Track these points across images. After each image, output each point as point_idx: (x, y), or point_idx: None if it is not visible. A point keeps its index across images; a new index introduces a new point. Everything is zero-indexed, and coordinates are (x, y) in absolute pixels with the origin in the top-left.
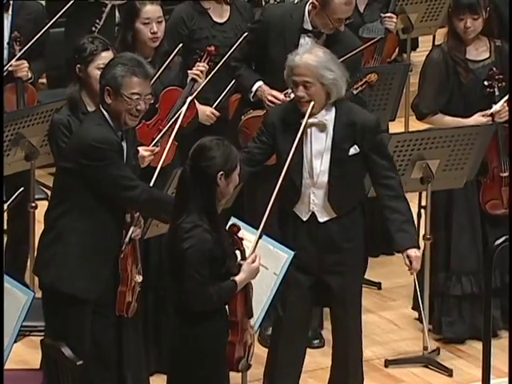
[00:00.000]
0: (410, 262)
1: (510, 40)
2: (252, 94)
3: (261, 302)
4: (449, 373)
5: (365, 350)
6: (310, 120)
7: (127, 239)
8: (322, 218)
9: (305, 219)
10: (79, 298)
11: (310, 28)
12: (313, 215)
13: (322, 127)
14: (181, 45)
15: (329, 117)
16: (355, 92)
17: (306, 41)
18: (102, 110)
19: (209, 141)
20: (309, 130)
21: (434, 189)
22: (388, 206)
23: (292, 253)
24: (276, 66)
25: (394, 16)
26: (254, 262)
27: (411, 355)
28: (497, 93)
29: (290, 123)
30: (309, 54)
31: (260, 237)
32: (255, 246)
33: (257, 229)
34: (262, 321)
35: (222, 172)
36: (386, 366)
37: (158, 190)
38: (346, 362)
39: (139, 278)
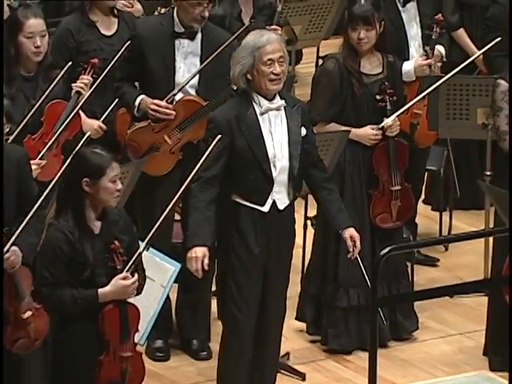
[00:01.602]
0: (354, 242)
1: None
2: (136, 109)
3: (148, 314)
4: (302, 377)
5: None
6: (272, 105)
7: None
8: (281, 206)
9: (266, 210)
10: None
11: (182, 30)
12: (273, 204)
13: (277, 111)
14: (70, 63)
15: (281, 100)
16: (235, 88)
17: (181, 44)
18: None
19: (80, 150)
20: (266, 117)
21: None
22: (325, 187)
23: (179, 265)
24: (156, 76)
25: (279, 28)
26: (124, 279)
27: None
28: (389, 107)
29: (244, 116)
30: (268, 33)
31: (144, 250)
32: (134, 261)
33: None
34: (150, 333)
35: (86, 179)
36: None
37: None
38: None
39: (27, 314)
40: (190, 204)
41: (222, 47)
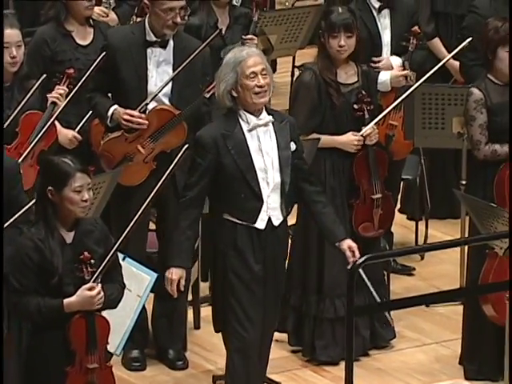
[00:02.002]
0: (353, 252)
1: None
2: (109, 119)
3: (124, 324)
4: None
5: (204, 363)
6: (260, 121)
7: None
8: (276, 222)
9: (262, 227)
10: None
11: (154, 39)
12: (269, 221)
13: (265, 127)
14: (45, 75)
15: (268, 116)
16: (208, 96)
17: (153, 53)
18: None
19: (49, 158)
20: (254, 133)
21: None
22: (318, 200)
23: (155, 275)
24: (129, 85)
25: (255, 38)
26: (90, 290)
27: None
28: (366, 115)
29: (231, 134)
30: (248, 48)
31: (111, 259)
32: (101, 271)
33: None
34: (126, 343)
35: (50, 187)
36: (213, 382)
37: None
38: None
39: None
40: (178, 222)
41: (193, 54)
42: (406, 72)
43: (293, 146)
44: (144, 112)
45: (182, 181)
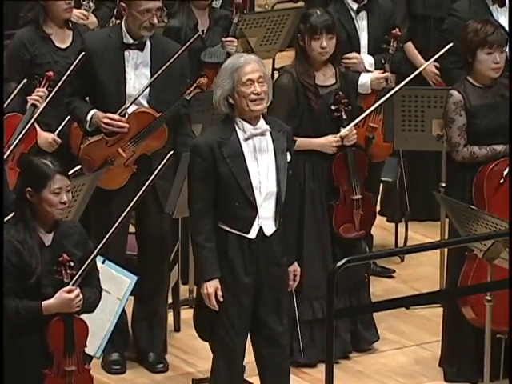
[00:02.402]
0: (294, 276)
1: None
2: (88, 124)
3: (104, 327)
4: None
5: (184, 366)
6: (256, 130)
7: None
8: (268, 232)
9: (253, 237)
10: None
11: (131, 41)
12: (260, 231)
13: (262, 136)
14: (25, 80)
15: (265, 125)
16: (188, 98)
17: (131, 55)
18: None
19: (29, 159)
20: (251, 142)
21: None
22: (288, 215)
23: (135, 277)
24: (107, 89)
25: (235, 40)
26: (69, 292)
27: None
28: (344, 116)
29: (226, 142)
30: (246, 55)
31: (91, 263)
32: (81, 274)
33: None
34: (106, 346)
35: (29, 188)
36: None
37: None
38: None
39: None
40: (191, 238)
41: (173, 58)
42: (386, 74)
43: (288, 157)
44: (124, 115)
45: (164, 186)
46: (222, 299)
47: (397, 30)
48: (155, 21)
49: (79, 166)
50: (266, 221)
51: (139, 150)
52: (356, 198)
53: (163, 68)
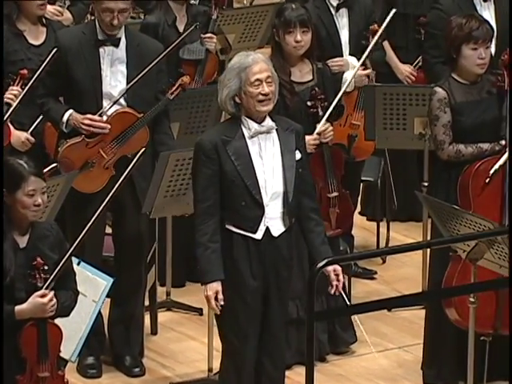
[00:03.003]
0: (336, 276)
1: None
2: (64, 125)
3: (79, 330)
4: None
5: (161, 370)
6: (262, 128)
7: None
8: (276, 232)
9: (259, 237)
10: None
11: (105, 37)
12: (267, 231)
13: (268, 134)
14: None
15: (271, 123)
16: (171, 98)
17: (106, 52)
18: None
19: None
20: (256, 140)
21: None
22: (313, 218)
23: (111, 279)
24: (82, 86)
25: (214, 36)
26: (42, 297)
27: (196, 377)
28: (320, 113)
29: (231, 139)
30: (254, 53)
31: (65, 264)
32: (54, 277)
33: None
34: (81, 350)
35: (4, 189)
36: None
37: None
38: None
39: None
40: (195, 238)
41: (164, 53)
42: (368, 71)
43: (298, 155)
44: (101, 116)
45: (143, 185)
46: (222, 302)
47: (375, 25)
48: (115, 22)
49: (54, 164)
50: (272, 221)
51: (120, 152)
52: (332, 196)
53: (151, 65)
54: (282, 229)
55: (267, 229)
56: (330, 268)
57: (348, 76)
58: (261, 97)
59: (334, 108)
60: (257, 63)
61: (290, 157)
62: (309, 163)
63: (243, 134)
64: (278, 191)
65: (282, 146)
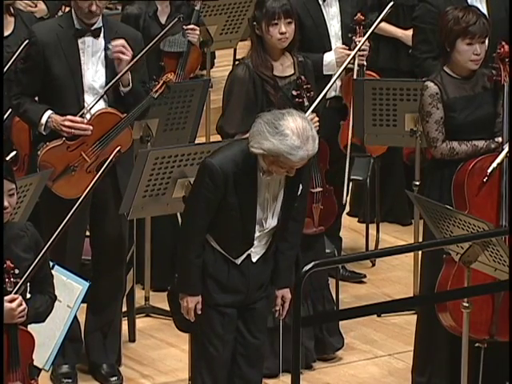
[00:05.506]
0: (282, 302)
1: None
2: (43, 127)
3: (54, 337)
4: None
5: (139, 379)
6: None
7: None
8: (255, 258)
9: (239, 262)
10: None
11: (84, 26)
12: (247, 257)
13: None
14: None
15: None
16: (155, 96)
17: (85, 43)
18: None
19: None
20: (266, 180)
21: None
22: (289, 240)
23: (86, 284)
24: (62, 81)
25: (197, 28)
26: (11, 301)
27: None
28: (306, 103)
29: (243, 174)
30: (307, 147)
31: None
32: (24, 281)
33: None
34: (56, 358)
35: None
36: None
37: None
38: None
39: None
40: (181, 251)
41: (148, 46)
42: (348, 52)
43: (299, 188)
44: (81, 116)
45: (125, 181)
46: (200, 312)
47: (359, 15)
48: (93, 7)
49: (14, 153)
50: (255, 249)
51: (103, 155)
52: (316, 191)
53: (135, 59)
54: (259, 255)
55: (248, 255)
56: (280, 294)
57: (328, 58)
58: (285, 173)
59: (337, 108)
60: (302, 160)
61: (293, 192)
62: (306, 191)
63: (256, 171)
64: (273, 225)
65: (288, 183)
